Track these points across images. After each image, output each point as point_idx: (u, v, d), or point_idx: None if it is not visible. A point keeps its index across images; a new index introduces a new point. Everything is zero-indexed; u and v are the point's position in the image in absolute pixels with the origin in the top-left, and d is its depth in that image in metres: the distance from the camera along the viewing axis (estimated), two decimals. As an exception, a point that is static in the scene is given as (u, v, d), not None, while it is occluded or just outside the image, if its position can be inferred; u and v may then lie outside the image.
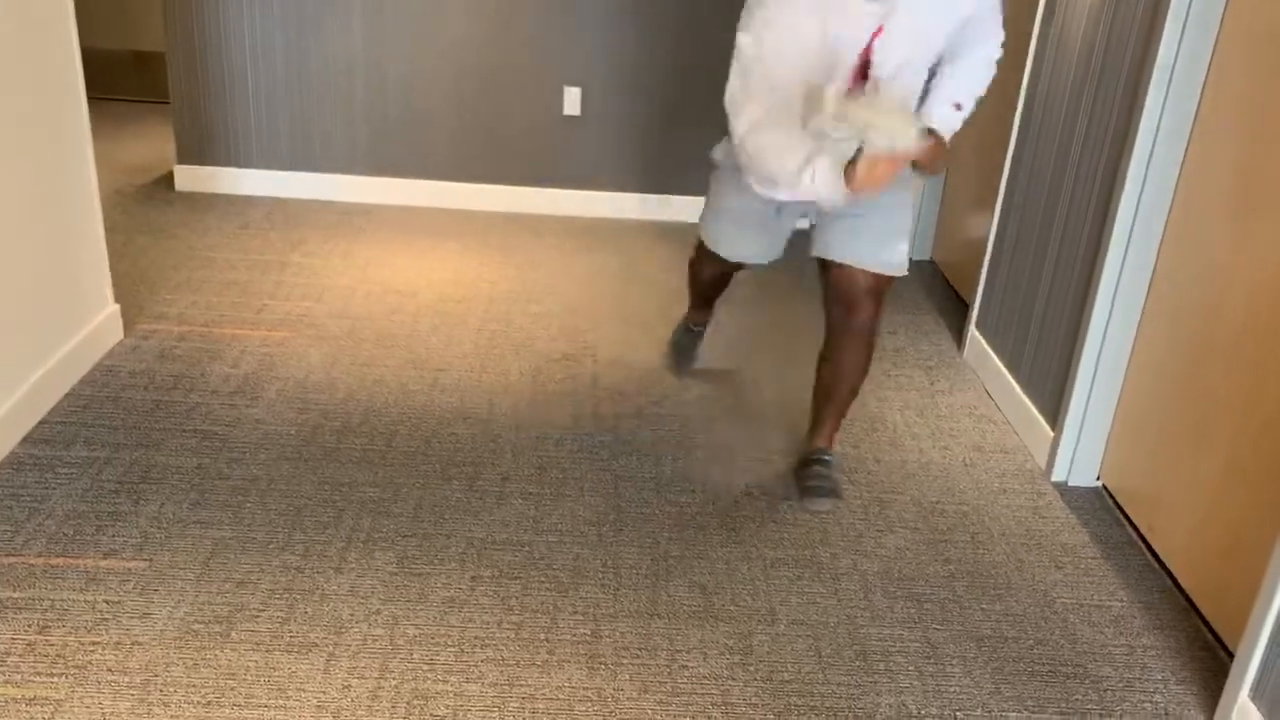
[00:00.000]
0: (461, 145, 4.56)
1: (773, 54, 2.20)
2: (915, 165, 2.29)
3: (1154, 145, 2.51)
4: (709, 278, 2.94)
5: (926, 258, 4.40)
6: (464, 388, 3.09)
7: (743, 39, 2.25)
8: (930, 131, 2.23)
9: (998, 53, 2.32)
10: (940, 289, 4.12)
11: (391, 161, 4.57)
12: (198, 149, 4.51)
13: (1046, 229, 3.00)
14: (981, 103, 2.33)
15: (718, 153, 2.58)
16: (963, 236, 4.03)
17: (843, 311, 2.53)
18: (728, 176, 2.54)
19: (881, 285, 2.47)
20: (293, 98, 4.44)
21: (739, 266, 2.78)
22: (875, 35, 2.15)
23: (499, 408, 3.00)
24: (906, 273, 2.50)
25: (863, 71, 2.20)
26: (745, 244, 2.65)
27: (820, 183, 2.24)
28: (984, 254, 3.44)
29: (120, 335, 3.19)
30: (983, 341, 3.41)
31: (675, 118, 4.42)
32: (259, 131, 4.49)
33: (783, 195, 2.41)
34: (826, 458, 2.70)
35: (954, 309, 3.92)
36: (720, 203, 2.63)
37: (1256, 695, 1.96)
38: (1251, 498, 2.17)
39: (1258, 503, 2.15)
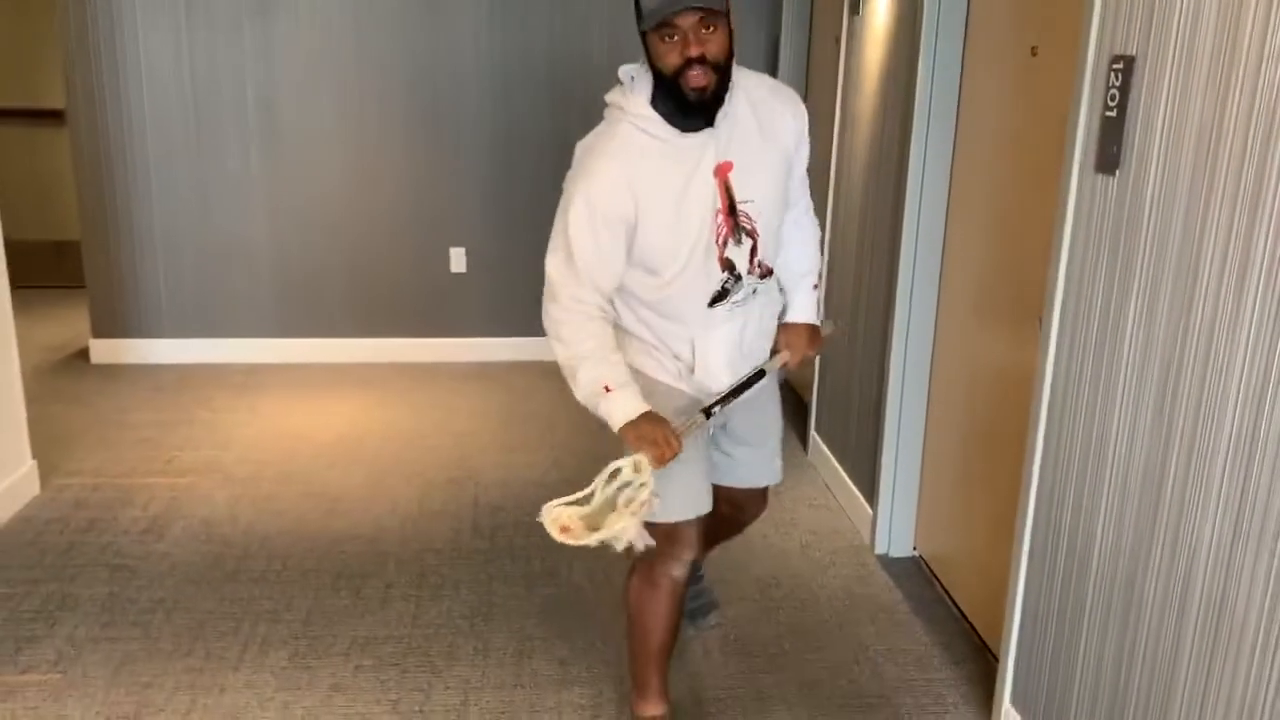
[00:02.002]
0: (358, 306, 5.02)
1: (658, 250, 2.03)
2: (808, 353, 2.29)
3: (915, 265, 3.04)
4: (669, 594, 2.25)
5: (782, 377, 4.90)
6: (355, 513, 3.44)
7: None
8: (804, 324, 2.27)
9: (812, 212, 2.31)
10: (793, 403, 4.60)
11: (294, 324, 4.99)
12: (111, 323, 4.90)
13: (852, 342, 3.51)
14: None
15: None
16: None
17: (735, 511, 2.48)
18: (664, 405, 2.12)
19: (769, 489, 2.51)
20: (200, 272, 4.88)
21: (695, 546, 2.25)
22: (727, 170, 2.01)
23: (386, 528, 3.35)
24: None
25: (730, 208, 2.03)
26: (705, 480, 2.23)
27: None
28: (814, 366, 3.95)
29: (38, 489, 3.50)
30: (820, 442, 3.88)
31: (551, 269, 4.95)
32: (169, 304, 4.90)
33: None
34: (700, 573, 2.77)
35: (804, 419, 4.38)
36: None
37: (1016, 702, 2.35)
38: (1010, 551, 2.60)
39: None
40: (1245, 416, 1.58)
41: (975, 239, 2.84)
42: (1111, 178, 1.95)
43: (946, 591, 3.03)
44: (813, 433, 3.97)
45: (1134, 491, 1.89)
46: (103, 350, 4.92)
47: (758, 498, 2.49)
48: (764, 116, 2.06)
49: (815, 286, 2.33)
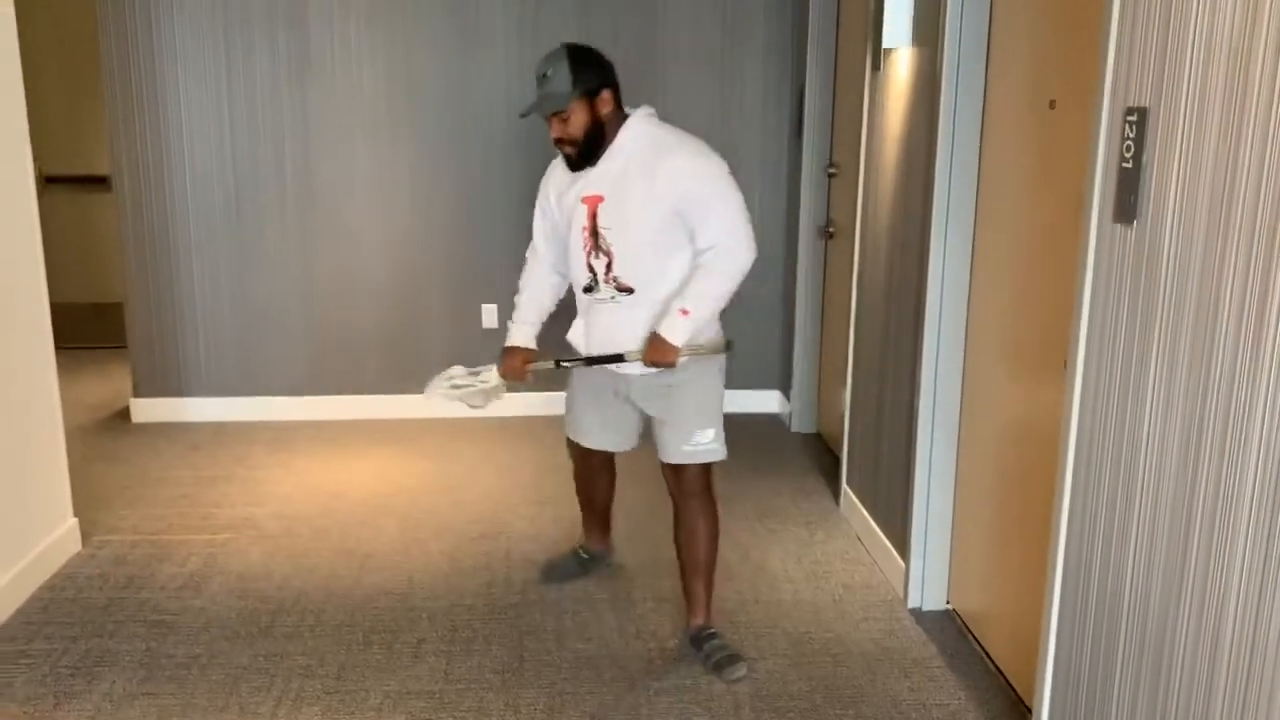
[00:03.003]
0: (391, 362, 5.09)
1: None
2: (651, 359, 2.74)
3: (941, 316, 3.06)
4: (583, 476, 3.28)
5: (814, 431, 4.91)
6: (387, 568, 3.47)
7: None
8: (655, 334, 2.72)
9: (727, 251, 2.69)
10: (825, 457, 4.60)
11: (328, 381, 5.07)
12: (152, 383, 5.00)
13: (881, 394, 3.52)
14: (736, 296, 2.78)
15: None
16: (836, 411, 4.54)
17: (674, 482, 2.93)
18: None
19: (693, 469, 2.87)
20: (237, 332, 4.99)
21: (604, 462, 3.18)
22: (596, 201, 2.75)
23: (418, 583, 3.37)
24: (721, 456, 2.87)
25: (593, 229, 2.77)
26: (593, 425, 3.05)
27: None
28: (844, 422, 3.95)
29: (79, 546, 3.56)
30: (852, 495, 3.87)
31: (581, 325, 5.00)
32: (207, 363, 5.00)
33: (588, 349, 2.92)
34: (713, 630, 2.97)
35: (835, 473, 4.37)
36: (573, 389, 3.08)
37: (1052, 756, 2.32)
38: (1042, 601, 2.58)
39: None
40: (1270, 462, 1.58)
41: (1000, 289, 2.85)
42: (1129, 227, 1.97)
43: (981, 645, 3.00)
44: (844, 486, 3.96)
45: (1161, 542, 1.88)
46: (143, 409, 5.02)
47: (682, 476, 2.90)
48: (644, 167, 2.71)
49: (684, 311, 2.71)
